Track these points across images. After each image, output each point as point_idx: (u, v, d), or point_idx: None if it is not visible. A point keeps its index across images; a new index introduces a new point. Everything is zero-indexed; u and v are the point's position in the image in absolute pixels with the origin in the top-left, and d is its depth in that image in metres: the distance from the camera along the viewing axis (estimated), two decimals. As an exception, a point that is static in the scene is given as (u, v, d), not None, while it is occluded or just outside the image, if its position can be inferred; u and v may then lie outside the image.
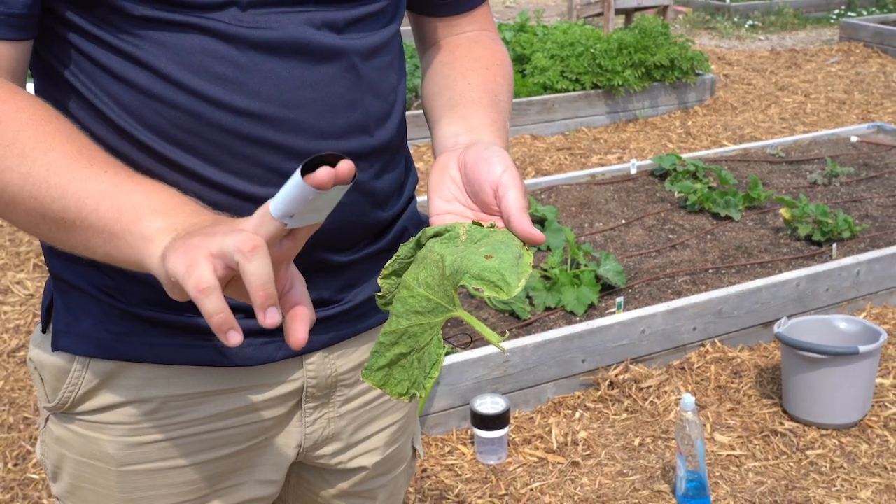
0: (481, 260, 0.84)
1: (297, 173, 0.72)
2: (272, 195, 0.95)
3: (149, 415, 1.04)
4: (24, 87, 0.94)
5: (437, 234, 0.90)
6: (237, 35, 0.92)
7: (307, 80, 0.95)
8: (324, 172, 0.70)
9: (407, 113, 1.13)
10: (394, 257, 0.91)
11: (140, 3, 0.89)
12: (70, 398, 1.04)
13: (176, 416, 1.04)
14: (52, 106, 0.97)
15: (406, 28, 1.16)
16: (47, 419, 1.09)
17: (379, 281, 0.91)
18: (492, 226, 0.90)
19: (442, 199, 0.93)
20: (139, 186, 0.83)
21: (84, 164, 0.83)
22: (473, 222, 0.90)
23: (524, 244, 0.88)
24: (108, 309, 1.01)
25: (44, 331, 1.07)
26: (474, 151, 0.93)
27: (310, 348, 1.08)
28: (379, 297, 0.92)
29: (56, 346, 1.04)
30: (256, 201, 0.95)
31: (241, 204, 0.95)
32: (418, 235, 0.90)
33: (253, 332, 1.02)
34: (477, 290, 0.83)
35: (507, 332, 0.81)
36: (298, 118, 0.95)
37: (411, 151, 1.59)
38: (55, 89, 0.97)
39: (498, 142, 0.99)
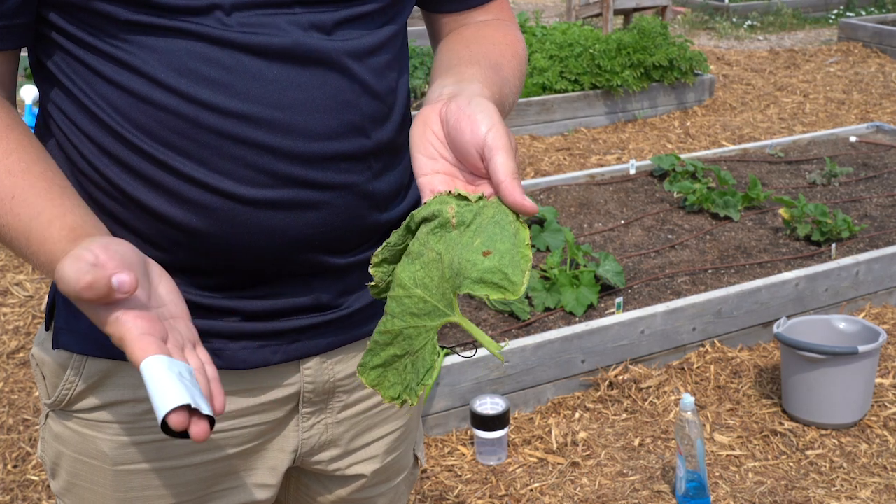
0: (479, 259, 0.81)
1: (160, 419, 0.73)
2: (262, 196, 0.95)
3: (144, 415, 1.04)
4: (12, 94, 0.96)
5: (425, 220, 0.85)
6: (223, 38, 0.92)
7: (295, 82, 0.95)
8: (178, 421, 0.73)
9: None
10: (384, 244, 0.87)
11: (125, 8, 0.90)
12: (67, 395, 1.04)
13: None
14: (54, 107, 0.98)
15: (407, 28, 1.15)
16: (47, 416, 1.10)
17: (370, 269, 0.88)
18: (480, 197, 0.84)
19: (426, 156, 0.88)
20: (41, 235, 0.85)
21: (7, 199, 0.87)
22: (460, 195, 0.85)
23: (517, 216, 0.83)
24: None
25: (46, 328, 1.08)
26: (455, 106, 0.87)
27: (307, 353, 1.07)
28: (371, 286, 0.89)
29: (56, 344, 1.04)
30: (246, 203, 0.95)
31: (232, 205, 0.95)
32: (407, 220, 0.86)
33: (249, 336, 1.02)
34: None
35: (507, 341, 0.80)
36: (288, 119, 0.95)
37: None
38: (53, 92, 0.98)
39: (485, 92, 0.92)
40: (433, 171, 0.87)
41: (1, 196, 0.87)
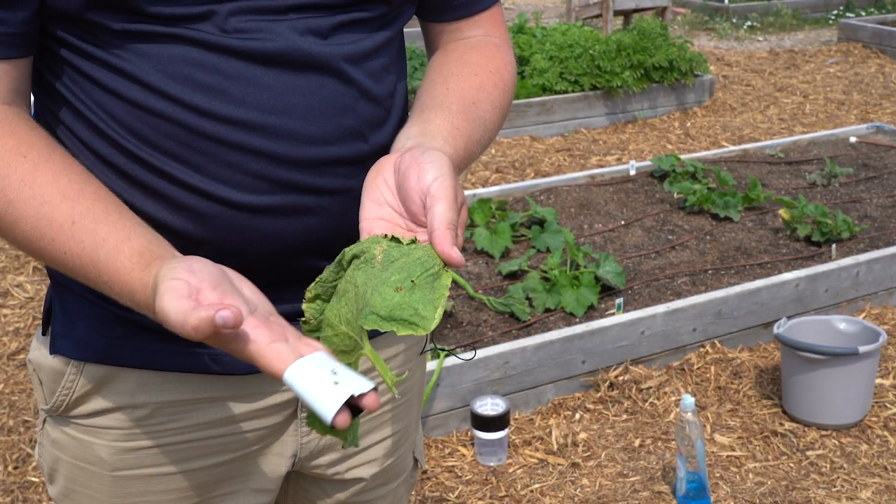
0: (390, 295, 0.80)
1: (330, 415, 0.73)
2: (259, 202, 0.95)
3: (142, 420, 1.03)
4: (27, 103, 0.95)
5: (355, 257, 0.84)
6: (219, 44, 0.92)
7: (291, 87, 0.94)
8: (343, 419, 0.74)
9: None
10: (316, 280, 0.87)
11: (119, 18, 0.90)
12: (65, 401, 1.04)
13: (169, 422, 1.04)
14: (49, 115, 0.97)
15: (407, 29, 1.15)
16: (44, 421, 1.09)
17: (303, 306, 0.87)
18: (413, 241, 0.84)
19: (373, 201, 0.90)
20: (111, 265, 0.84)
21: (67, 225, 0.86)
22: (393, 237, 0.85)
23: (444, 264, 0.83)
24: (102, 313, 1.01)
25: (44, 333, 1.08)
26: (409, 156, 0.89)
27: None
28: (303, 322, 0.88)
29: (53, 350, 1.04)
30: (243, 209, 0.94)
31: (228, 211, 0.95)
32: (340, 257, 0.86)
33: None
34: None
35: (405, 374, 0.78)
36: (284, 125, 0.94)
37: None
38: (49, 100, 0.98)
39: (447, 149, 0.93)
40: (376, 216, 0.89)
41: (60, 223, 0.86)
